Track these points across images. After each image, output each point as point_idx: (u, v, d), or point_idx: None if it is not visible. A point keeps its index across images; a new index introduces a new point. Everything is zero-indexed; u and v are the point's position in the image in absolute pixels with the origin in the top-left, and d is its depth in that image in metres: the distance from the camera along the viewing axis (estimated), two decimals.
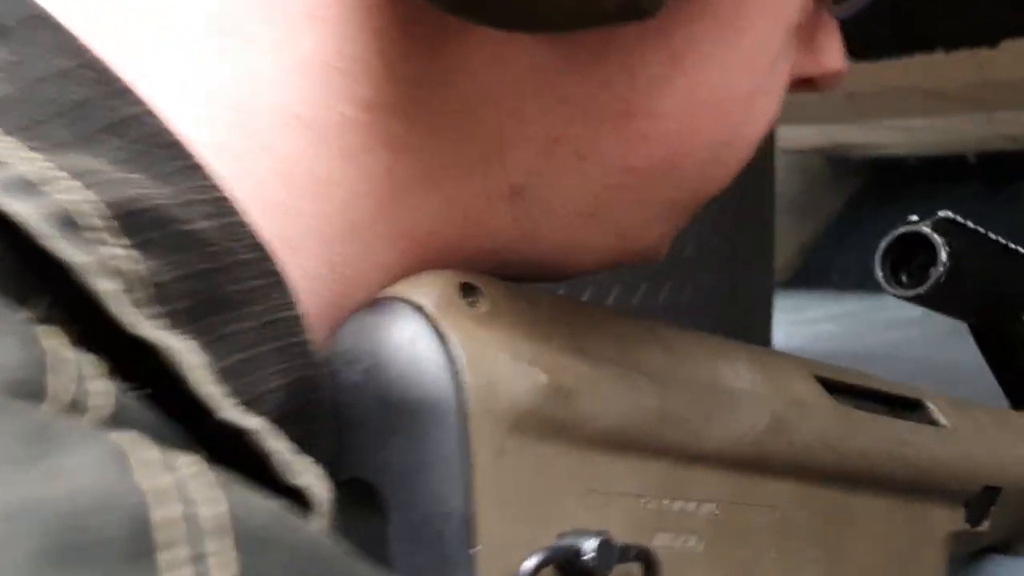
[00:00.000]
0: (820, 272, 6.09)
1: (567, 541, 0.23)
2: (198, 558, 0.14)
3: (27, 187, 0.19)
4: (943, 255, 0.42)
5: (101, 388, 0.18)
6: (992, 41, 5.64)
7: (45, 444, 0.14)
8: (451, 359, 0.23)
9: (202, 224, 0.21)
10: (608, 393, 0.25)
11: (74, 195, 0.19)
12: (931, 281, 0.42)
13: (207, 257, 0.21)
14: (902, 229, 0.45)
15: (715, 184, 0.32)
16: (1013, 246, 0.48)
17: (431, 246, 0.27)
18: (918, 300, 0.42)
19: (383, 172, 0.26)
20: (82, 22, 0.23)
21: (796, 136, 5.46)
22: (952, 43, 5.73)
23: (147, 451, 0.16)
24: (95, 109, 0.22)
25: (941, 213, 0.44)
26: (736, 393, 0.29)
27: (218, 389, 0.20)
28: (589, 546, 0.23)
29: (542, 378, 0.24)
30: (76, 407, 0.17)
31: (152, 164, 0.21)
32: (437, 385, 0.22)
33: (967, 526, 0.40)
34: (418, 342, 0.23)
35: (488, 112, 0.26)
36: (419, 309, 0.23)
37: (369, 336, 0.23)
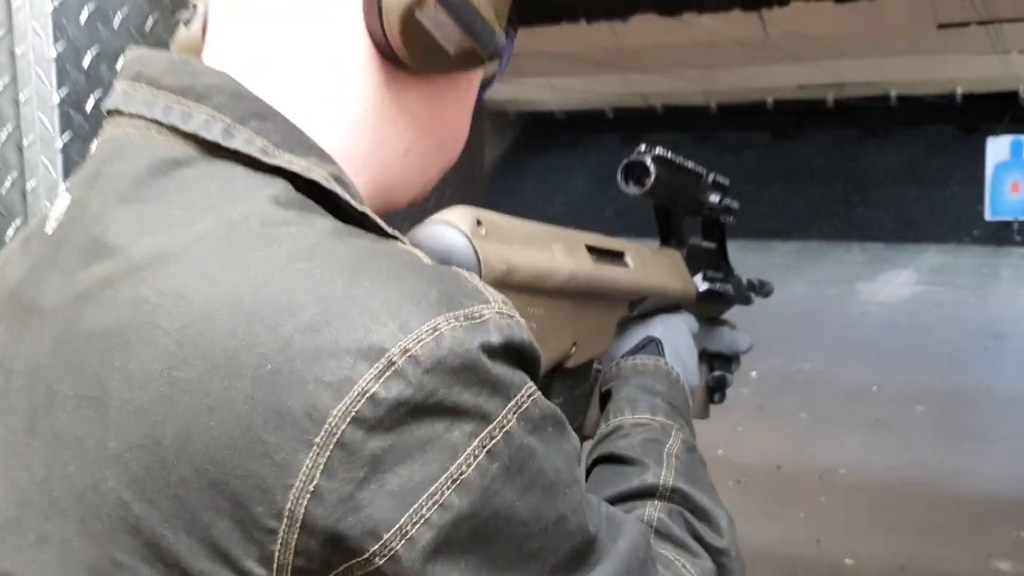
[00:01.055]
0: None
1: None
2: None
3: (307, 172, 0.49)
4: (652, 175, 0.79)
5: None
6: (624, 15, 6.48)
7: None
8: (479, 259, 0.55)
9: (346, 179, 0.52)
10: (524, 269, 0.60)
11: (321, 171, 0.50)
12: (646, 186, 0.79)
13: (353, 192, 0.51)
14: (634, 157, 0.81)
15: (452, 161, 0.64)
16: (691, 165, 0.86)
17: (379, 179, 0.57)
18: (639, 196, 0.79)
19: (373, 146, 0.56)
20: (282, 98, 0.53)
21: None
22: (592, 15, 6.52)
23: None
24: (302, 142, 0.51)
25: (658, 150, 0.81)
26: (559, 261, 0.65)
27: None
28: None
29: (504, 267, 0.57)
30: None
31: (319, 159, 0.51)
32: (474, 270, 0.53)
33: (629, 313, 0.80)
34: (465, 251, 0.55)
35: (399, 116, 0.57)
36: (464, 234, 0.56)
37: (440, 242, 0.55)
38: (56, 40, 0.95)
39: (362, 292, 0.43)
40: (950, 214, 12.97)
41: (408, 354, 0.42)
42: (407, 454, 0.42)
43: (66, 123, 0.96)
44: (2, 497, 0.49)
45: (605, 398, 0.77)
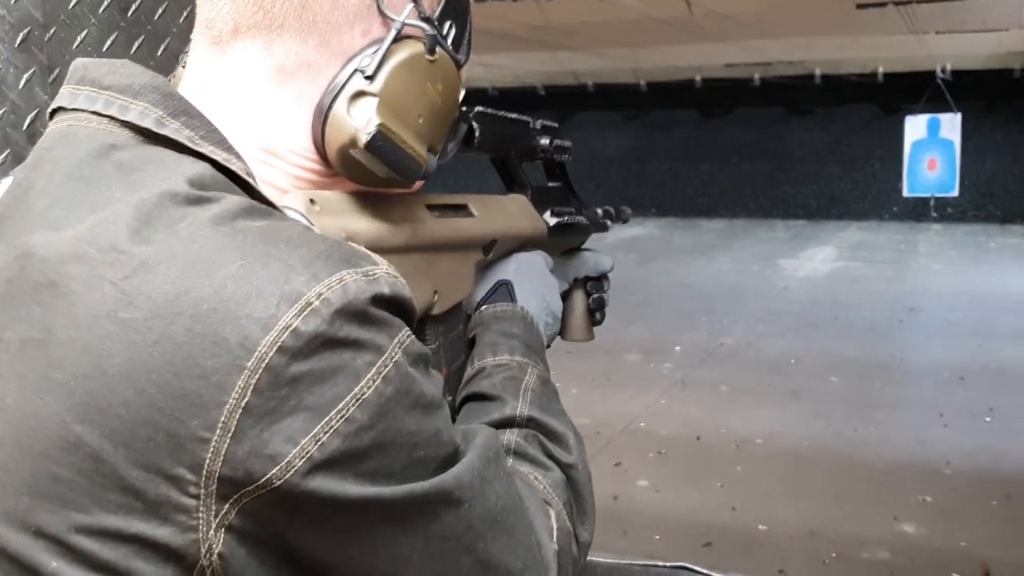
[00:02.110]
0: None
1: None
2: None
3: (227, 162, 0.60)
4: (476, 132, 0.85)
5: None
6: None
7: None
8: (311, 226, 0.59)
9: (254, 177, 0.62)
10: (363, 234, 0.65)
11: (238, 164, 0.61)
12: (474, 144, 0.85)
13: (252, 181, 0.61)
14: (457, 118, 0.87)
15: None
16: (515, 115, 0.93)
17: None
18: (470, 153, 0.85)
19: (299, 180, 0.65)
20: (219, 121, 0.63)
21: None
22: None
23: None
24: (223, 142, 0.58)
25: (478, 108, 0.87)
26: (396, 223, 0.71)
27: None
28: None
29: (343, 235, 0.62)
30: None
31: (236, 157, 0.61)
32: None
33: (484, 257, 0.86)
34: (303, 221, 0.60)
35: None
36: (300, 213, 0.61)
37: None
38: None
39: (279, 251, 0.53)
40: (871, 191, 13.30)
41: (322, 297, 0.52)
42: (320, 377, 0.52)
43: None
44: None
45: (471, 344, 0.86)
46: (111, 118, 0.60)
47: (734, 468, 4.06)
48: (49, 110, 0.65)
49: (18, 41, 1.01)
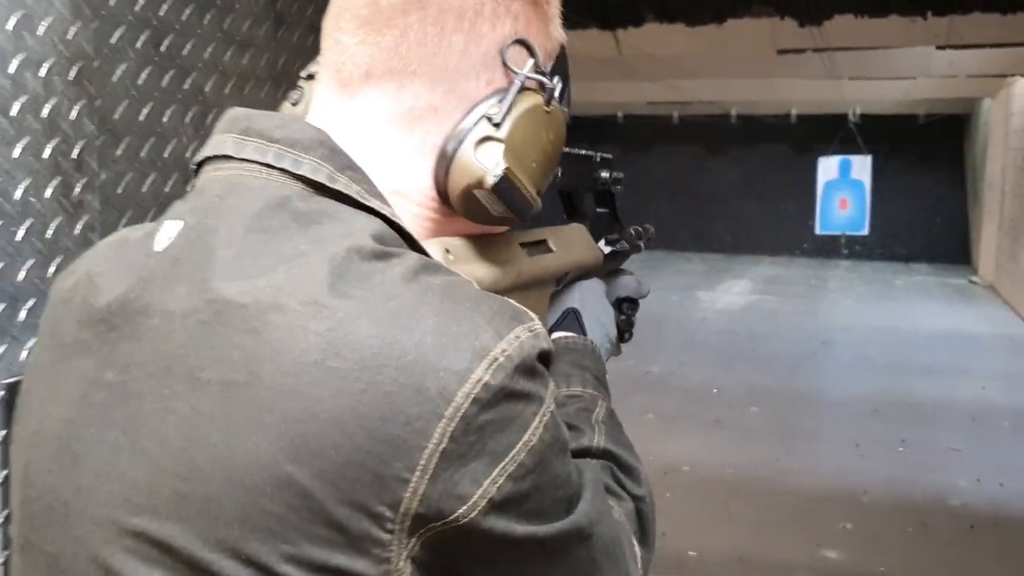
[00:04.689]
0: None
1: None
2: None
3: (392, 216, 0.66)
4: (559, 170, 0.89)
5: None
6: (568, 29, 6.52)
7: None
8: None
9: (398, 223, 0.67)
10: (487, 279, 0.72)
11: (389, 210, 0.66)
12: (555, 181, 0.89)
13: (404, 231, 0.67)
14: None
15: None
16: (580, 151, 1.01)
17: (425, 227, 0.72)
18: (551, 187, 0.91)
19: (421, 218, 0.72)
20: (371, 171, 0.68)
21: None
22: None
23: None
24: (382, 196, 0.67)
25: None
26: (506, 264, 0.78)
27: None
28: None
29: (472, 279, 0.66)
30: None
31: (393, 212, 0.66)
32: None
33: (556, 288, 0.93)
34: None
35: (435, 229, 0.73)
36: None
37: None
38: None
39: (464, 308, 0.59)
40: (784, 228, 13.74)
41: (506, 353, 0.58)
42: (500, 426, 0.57)
43: None
44: (128, 464, 0.59)
45: None
46: (282, 170, 0.64)
47: (663, 495, 4.15)
48: (207, 155, 0.68)
49: (72, 74, 1.04)
